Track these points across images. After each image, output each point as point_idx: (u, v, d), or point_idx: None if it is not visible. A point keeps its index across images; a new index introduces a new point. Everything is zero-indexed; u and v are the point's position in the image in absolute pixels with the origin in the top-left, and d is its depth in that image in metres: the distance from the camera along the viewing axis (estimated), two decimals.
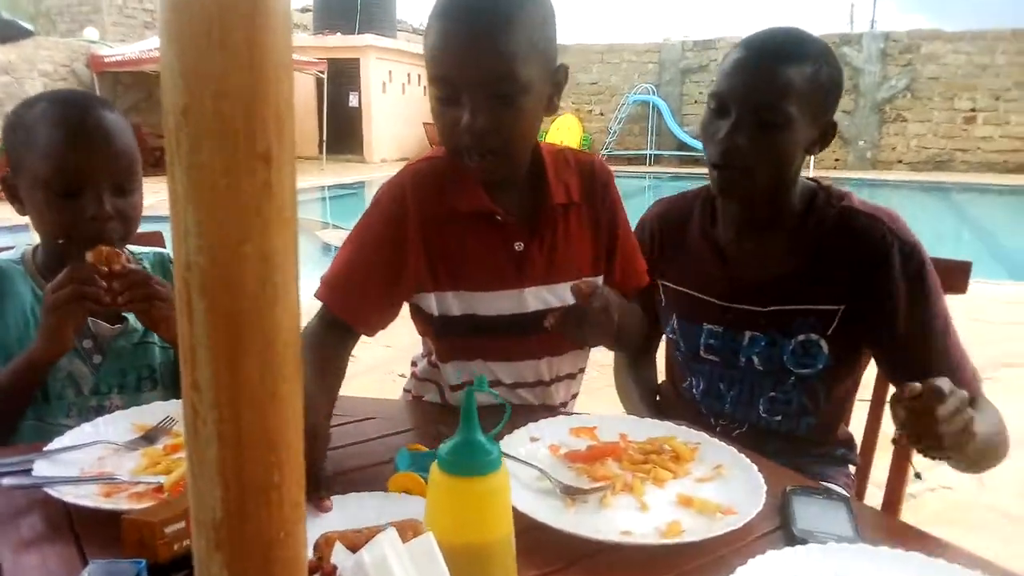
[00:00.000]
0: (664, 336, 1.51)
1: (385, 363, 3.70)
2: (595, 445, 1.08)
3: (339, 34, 17.45)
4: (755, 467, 0.99)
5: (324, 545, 0.70)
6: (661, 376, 1.61)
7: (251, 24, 0.33)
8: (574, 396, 1.44)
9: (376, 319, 1.23)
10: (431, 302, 1.26)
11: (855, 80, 15.83)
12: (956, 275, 1.41)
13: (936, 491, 2.73)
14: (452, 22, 1.09)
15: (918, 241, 1.25)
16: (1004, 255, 8.35)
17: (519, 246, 1.24)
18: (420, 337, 1.41)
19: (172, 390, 1.35)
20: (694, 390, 1.44)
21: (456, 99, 1.10)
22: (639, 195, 13.76)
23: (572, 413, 1.23)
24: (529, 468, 0.99)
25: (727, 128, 1.23)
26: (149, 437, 1.09)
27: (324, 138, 16.25)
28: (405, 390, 1.51)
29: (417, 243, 1.22)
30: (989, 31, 15.44)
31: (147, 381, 1.34)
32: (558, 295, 1.26)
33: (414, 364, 1.48)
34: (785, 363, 1.31)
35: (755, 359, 1.34)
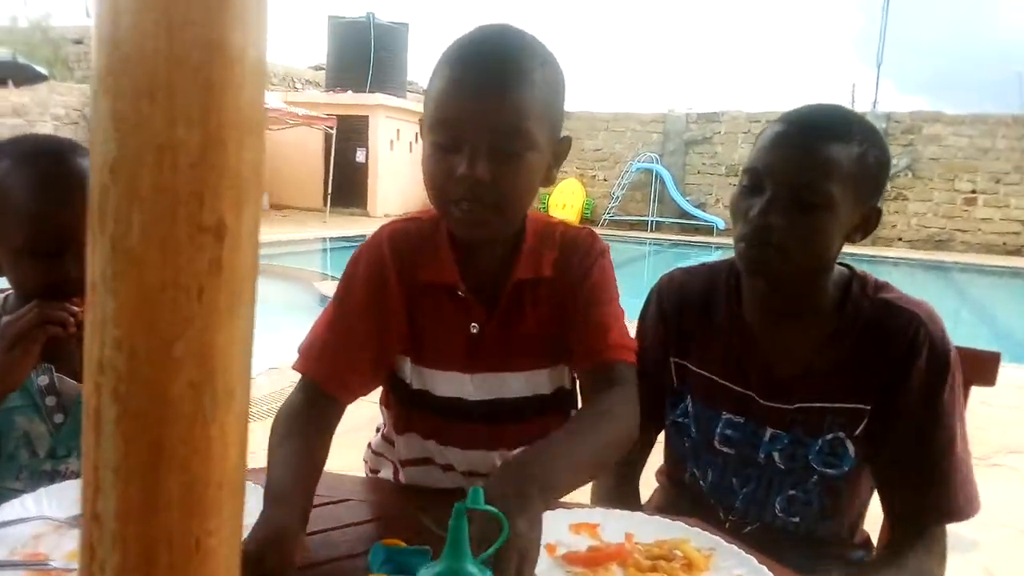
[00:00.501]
0: (668, 420, 1.37)
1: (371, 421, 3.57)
2: (597, 546, 0.97)
3: (350, 92, 17.76)
4: None
5: None
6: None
7: (206, 74, 0.26)
8: None
9: (360, 388, 1.17)
10: (403, 367, 1.21)
11: None
12: (985, 366, 1.34)
13: None
14: (466, 67, 1.03)
15: (952, 349, 1.17)
16: (1005, 337, 8.28)
17: (474, 328, 1.16)
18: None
19: None
20: (701, 481, 1.33)
21: (457, 147, 1.03)
22: (640, 260, 13.78)
23: (572, 504, 1.12)
24: None
25: (761, 205, 1.14)
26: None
27: (329, 191, 16.40)
28: (364, 460, 1.43)
29: (398, 308, 1.17)
30: (990, 115, 15.68)
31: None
32: (510, 386, 1.18)
33: (377, 431, 1.40)
34: (810, 462, 1.22)
35: (776, 456, 1.24)
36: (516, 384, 1.17)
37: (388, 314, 1.16)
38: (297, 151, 17.70)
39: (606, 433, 1.03)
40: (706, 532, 1.01)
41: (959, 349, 1.26)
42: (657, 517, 1.06)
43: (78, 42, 18.72)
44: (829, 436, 1.20)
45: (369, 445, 1.41)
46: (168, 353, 0.27)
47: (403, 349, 1.20)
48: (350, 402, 1.15)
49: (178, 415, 0.27)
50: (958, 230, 15.98)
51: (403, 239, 1.20)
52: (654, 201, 17.82)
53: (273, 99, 15.46)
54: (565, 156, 1.15)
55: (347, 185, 17.05)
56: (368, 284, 1.17)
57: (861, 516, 1.32)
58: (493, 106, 1.01)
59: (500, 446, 1.21)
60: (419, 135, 1.08)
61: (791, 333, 1.23)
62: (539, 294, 1.17)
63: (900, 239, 16.21)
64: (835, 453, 1.20)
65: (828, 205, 1.12)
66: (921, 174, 16.08)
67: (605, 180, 18.52)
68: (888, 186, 16.00)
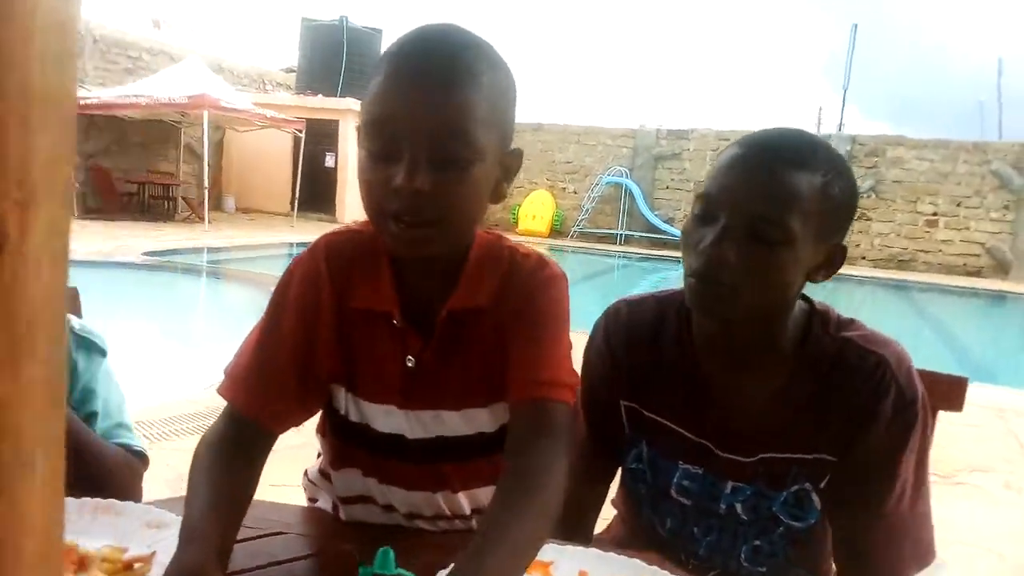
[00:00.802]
0: (624, 464, 1.27)
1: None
2: None
3: (321, 96, 17.60)
4: None
5: None
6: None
7: None
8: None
9: (291, 418, 1.04)
10: (338, 396, 1.09)
11: None
12: (953, 391, 1.28)
13: None
14: (405, 64, 0.90)
15: (920, 394, 1.06)
16: (965, 356, 8.40)
17: (410, 361, 1.03)
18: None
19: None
20: (658, 528, 1.24)
21: (394, 154, 0.89)
22: (609, 273, 13.82)
23: None
24: None
25: (713, 236, 1.02)
26: None
27: (297, 196, 16.22)
28: (303, 487, 1.29)
29: (330, 331, 1.04)
30: (952, 141, 16.04)
31: None
32: (449, 424, 1.06)
33: (318, 456, 1.26)
34: (775, 513, 1.13)
35: (738, 507, 1.15)
36: (455, 422, 1.05)
37: (319, 338, 1.04)
38: (266, 155, 17.50)
39: (539, 512, 0.88)
40: (664, 572, 0.94)
41: (926, 374, 1.20)
42: (612, 554, 0.98)
43: None
44: (794, 488, 1.11)
45: (306, 473, 1.27)
46: None
47: (336, 378, 1.08)
48: (281, 432, 1.03)
49: None
50: (920, 251, 16.31)
51: (340, 255, 1.06)
52: (623, 215, 17.91)
53: (242, 100, 15.25)
54: (516, 170, 1.02)
55: (316, 190, 16.90)
56: (299, 303, 1.04)
57: (831, 564, 1.25)
58: (433, 105, 0.87)
59: (444, 487, 1.10)
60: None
61: (748, 378, 1.13)
62: (479, 325, 1.03)
63: (864, 258, 16.47)
64: (800, 506, 1.12)
65: (788, 240, 1.00)
66: (884, 196, 16.40)
67: (575, 192, 18.58)
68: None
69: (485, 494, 1.10)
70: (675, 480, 1.18)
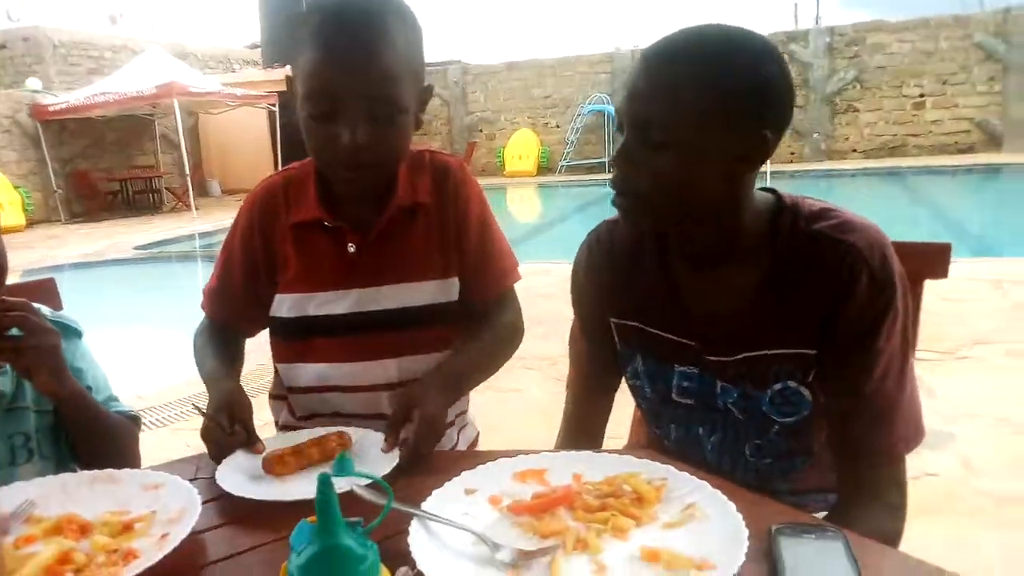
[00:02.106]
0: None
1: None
2: (542, 492, 0.91)
3: (288, 66, 17.24)
4: (732, 505, 0.83)
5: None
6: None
7: None
8: (461, 413, 1.46)
9: (251, 325, 1.39)
10: (283, 304, 1.32)
11: (804, 75, 15.99)
12: (935, 258, 1.28)
13: (920, 479, 2.60)
14: (334, 39, 1.10)
15: (895, 273, 1.04)
16: (962, 233, 8.37)
17: (351, 247, 1.27)
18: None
19: (53, 460, 1.17)
20: (667, 440, 1.26)
21: (334, 116, 1.11)
22: (601, 202, 13.70)
23: (516, 452, 1.06)
24: (463, 532, 0.82)
25: (616, 149, 1.05)
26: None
27: (279, 167, 16.03)
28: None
29: (263, 251, 1.31)
30: (932, 18, 15.67)
31: (22, 451, 1.15)
32: (395, 297, 1.28)
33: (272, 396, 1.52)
34: (765, 413, 1.13)
35: (732, 409, 1.16)
36: (396, 295, 1.28)
37: (256, 259, 1.32)
38: (243, 133, 17.30)
39: (504, 343, 1.36)
40: (656, 462, 0.95)
41: (908, 246, 1.20)
42: (605, 453, 1.00)
43: (1, 47, 17.99)
44: (778, 386, 1.11)
45: (269, 393, 1.51)
46: None
47: (291, 286, 1.30)
48: (248, 331, 1.41)
49: None
50: (910, 135, 16.10)
51: (272, 192, 1.33)
52: (609, 142, 17.70)
53: (211, 82, 15.02)
54: (428, 100, 1.24)
55: (297, 159, 16.68)
56: (240, 233, 1.34)
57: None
58: (365, 77, 1.09)
59: (392, 354, 1.30)
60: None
61: (719, 280, 1.13)
62: (417, 218, 1.29)
63: (855, 150, 16.29)
64: (789, 401, 1.11)
65: (677, 141, 0.99)
66: (869, 84, 16.13)
67: (558, 126, 18.34)
68: (837, 100, 16.11)
69: (420, 363, 1.30)
70: (674, 383, 1.19)
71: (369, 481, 0.82)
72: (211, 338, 1.35)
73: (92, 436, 1.19)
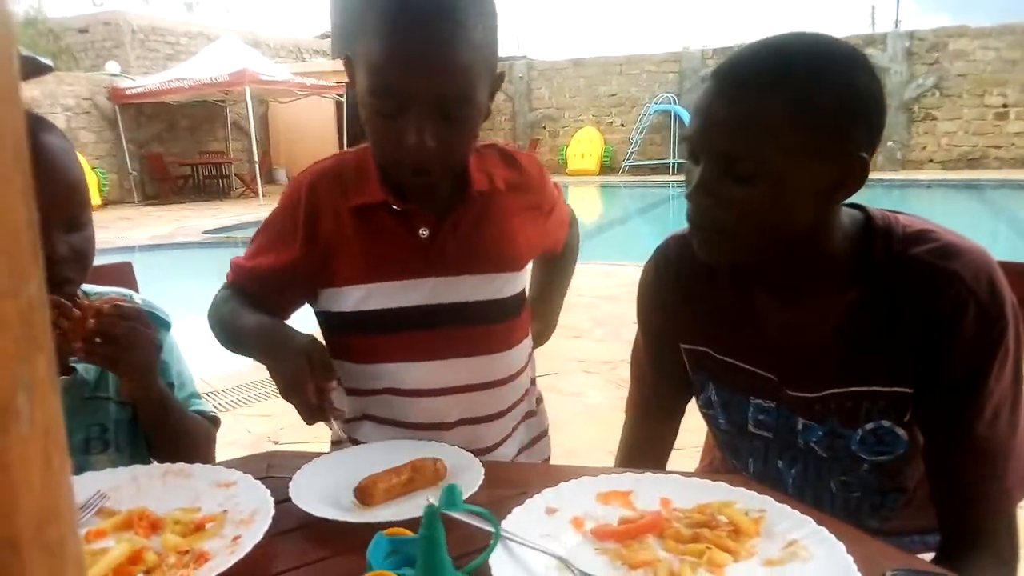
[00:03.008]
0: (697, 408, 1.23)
1: None
2: (630, 518, 0.86)
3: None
4: (842, 546, 0.76)
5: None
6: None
7: None
8: (528, 415, 1.36)
9: (280, 308, 1.21)
10: (331, 297, 1.19)
11: (881, 81, 15.53)
12: None
13: None
14: (403, 30, 0.98)
15: (1006, 303, 0.93)
16: None
17: (423, 231, 1.15)
18: None
19: (127, 452, 1.15)
20: (746, 473, 1.18)
21: (401, 113, 1.00)
22: (664, 204, 13.53)
23: (599, 470, 1.00)
24: (545, 556, 0.78)
25: (694, 182, 0.95)
26: None
27: None
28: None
29: (309, 238, 1.17)
30: (1018, 25, 15.03)
31: (97, 442, 1.14)
32: (473, 289, 1.17)
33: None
34: (854, 452, 1.04)
35: (815, 447, 1.07)
36: (473, 286, 1.17)
37: (295, 244, 1.17)
38: (310, 122, 17.56)
39: (571, 267, 1.56)
40: (753, 492, 0.88)
41: (1014, 265, 1.10)
42: (695, 478, 0.94)
43: (83, 31, 18.62)
44: (870, 425, 1.01)
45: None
46: None
47: (353, 278, 1.16)
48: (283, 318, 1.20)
49: None
50: (991, 146, 15.48)
51: (331, 172, 1.20)
52: (674, 143, 17.45)
53: (281, 71, 15.29)
54: (499, 88, 1.12)
55: None
56: (282, 215, 1.21)
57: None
58: (440, 76, 0.98)
59: (464, 354, 1.19)
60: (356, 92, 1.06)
61: (803, 308, 1.03)
62: (494, 203, 1.20)
63: (931, 160, 15.75)
64: (882, 441, 1.01)
65: (765, 174, 0.90)
66: (949, 92, 15.55)
67: (622, 125, 18.17)
68: (915, 107, 15.58)
69: (490, 364, 1.21)
70: (750, 415, 1.11)
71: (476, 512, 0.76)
72: (242, 302, 1.18)
73: (169, 438, 1.16)
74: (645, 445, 1.29)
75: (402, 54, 0.97)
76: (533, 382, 1.37)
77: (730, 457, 1.21)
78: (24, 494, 0.20)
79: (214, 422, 1.30)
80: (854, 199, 0.99)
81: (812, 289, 1.01)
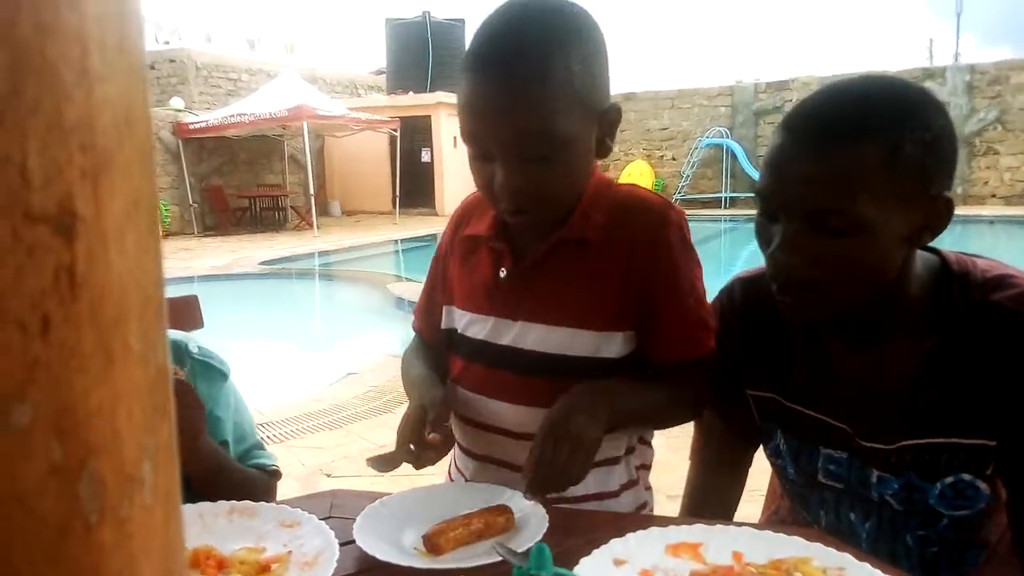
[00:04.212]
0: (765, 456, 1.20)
1: None
2: (701, 572, 0.83)
3: (411, 92, 17.88)
4: None
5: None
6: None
7: None
8: (637, 477, 1.16)
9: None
10: (447, 314, 1.24)
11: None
12: None
13: None
14: (481, 75, 0.98)
15: None
16: None
17: (503, 272, 1.13)
18: None
19: None
20: (818, 526, 1.13)
21: (489, 156, 1.01)
22: (715, 239, 13.40)
23: (668, 519, 0.98)
24: None
25: (778, 240, 0.93)
26: None
27: (397, 193, 16.57)
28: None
29: (447, 265, 1.25)
30: None
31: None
32: (547, 338, 1.09)
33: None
34: (932, 506, 1.00)
35: (890, 500, 1.02)
36: (538, 336, 1.10)
37: (446, 273, 1.25)
38: (364, 156, 17.91)
39: (672, 397, 1.10)
40: (831, 548, 0.85)
41: None
42: (769, 531, 0.90)
43: (150, 67, 19.38)
44: (950, 479, 0.97)
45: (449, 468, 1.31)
46: (4, 424, 0.17)
47: (448, 298, 1.23)
48: None
49: (36, 524, 0.17)
50: None
51: (465, 205, 1.28)
52: (726, 176, 17.33)
53: (336, 106, 15.66)
54: (617, 123, 1.07)
55: (414, 186, 17.21)
56: (441, 244, 1.29)
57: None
58: (510, 116, 0.96)
59: (528, 402, 1.09)
60: None
61: (877, 356, 1.00)
62: (581, 255, 1.09)
63: (994, 195, 15.33)
64: (963, 495, 0.97)
65: (859, 226, 0.88)
66: (1012, 126, 15.18)
67: (674, 159, 18.11)
68: (977, 141, 15.21)
69: None
70: (820, 465, 1.08)
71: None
72: (418, 351, 1.27)
73: (221, 495, 1.08)
74: (711, 494, 1.26)
75: (478, 98, 0.98)
76: (641, 466, 1.20)
77: (799, 509, 1.17)
78: (144, 562, 0.21)
79: (273, 475, 1.28)
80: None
81: (888, 336, 0.99)
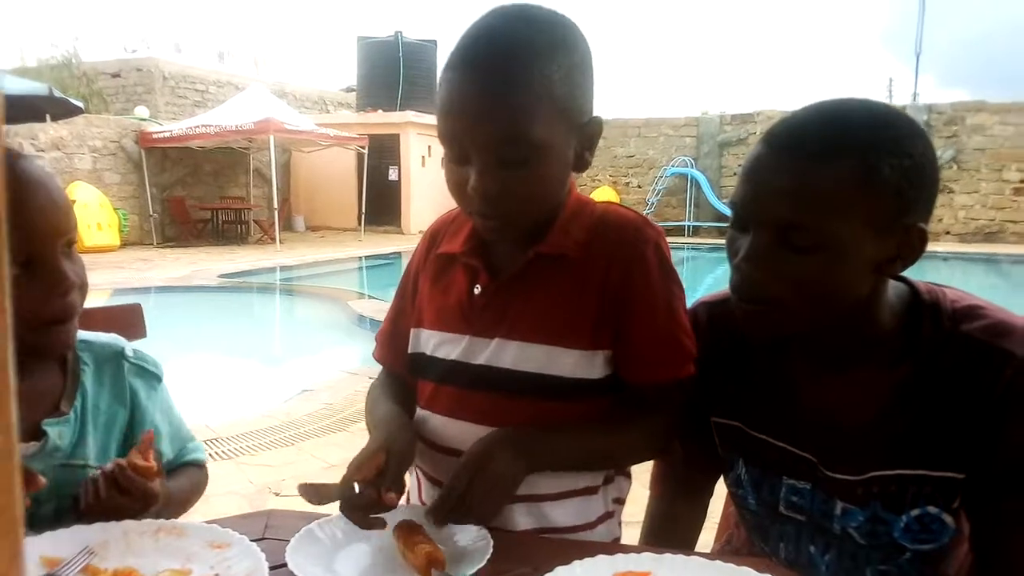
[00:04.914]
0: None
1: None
2: None
3: (380, 111, 17.85)
4: None
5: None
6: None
7: None
8: (612, 510, 1.12)
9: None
10: (414, 340, 1.19)
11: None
12: None
13: None
14: (461, 75, 0.95)
15: None
16: None
17: (477, 288, 1.09)
18: None
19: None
20: (774, 558, 1.10)
21: (465, 159, 0.98)
22: (678, 266, 13.43)
23: (616, 547, 0.95)
24: None
25: (745, 250, 0.92)
26: None
27: (363, 210, 16.48)
28: None
29: (417, 285, 1.20)
30: None
31: (70, 515, 1.00)
32: (524, 355, 1.04)
33: None
34: (896, 540, 0.97)
35: (853, 533, 0.99)
36: (515, 354, 1.05)
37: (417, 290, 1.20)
38: (331, 173, 17.82)
39: (619, 440, 1.07)
40: None
41: None
42: (719, 562, 0.87)
43: (116, 75, 19.12)
44: (916, 512, 0.95)
45: None
46: None
47: (417, 320, 1.18)
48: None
49: None
50: (1008, 221, 15.50)
51: (438, 224, 1.23)
52: (690, 205, 17.56)
53: (305, 121, 15.56)
54: (598, 137, 1.05)
55: (380, 203, 17.13)
56: (410, 266, 1.24)
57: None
58: (487, 119, 0.94)
59: (493, 422, 1.04)
60: None
61: (845, 384, 0.98)
62: (559, 271, 1.06)
63: (948, 232, 15.73)
64: (927, 529, 0.95)
65: (826, 245, 0.87)
66: (967, 165, 15.64)
67: (639, 187, 18.32)
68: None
69: None
70: (782, 496, 1.05)
71: None
72: (384, 392, 1.19)
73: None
74: (670, 524, 1.23)
75: (456, 100, 0.95)
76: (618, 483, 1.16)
77: (758, 541, 1.14)
78: None
79: (203, 468, 1.26)
80: None
81: (855, 365, 0.97)
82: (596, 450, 1.07)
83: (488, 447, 0.97)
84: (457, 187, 1.00)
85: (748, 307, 0.95)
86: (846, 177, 0.85)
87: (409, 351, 1.17)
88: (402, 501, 1.12)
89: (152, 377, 1.19)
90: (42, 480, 0.86)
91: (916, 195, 0.88)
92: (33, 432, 1.03)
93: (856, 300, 0.92)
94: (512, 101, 0.93)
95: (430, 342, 1.13)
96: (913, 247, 0.90)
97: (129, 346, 1.19)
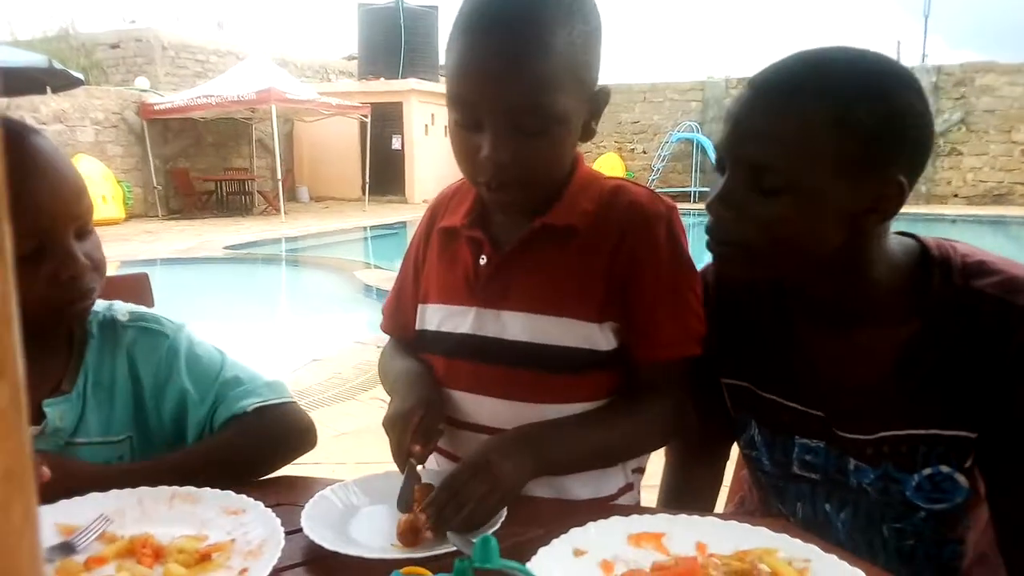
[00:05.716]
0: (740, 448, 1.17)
1: None
2: (664, 563, 0.80)
3: (382, 79, 17.69)
4: None
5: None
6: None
7: None
8: (632, 480, 1.13)
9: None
10: (420, 316, 1.18)
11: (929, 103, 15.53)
12: None
13: None
14: (479, 38, 0.92)
15: None
16: None
17: (483, 259, 1.08)
18: None
19: None
20: (792, 519, 1.10)
21: (477, 125, 0.95)
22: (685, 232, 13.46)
23: (630, 508, 0.95)
24: None
25: (716, 192, 0.92)
26: (70, 545, 0.83)
27: (367, 180, 16.42)
28: None
29: (423, 259, 1.20)
30: None
31: (76, 493, 0.97)
32: (522, 328, 1.04)
33: None
34: (909, 498, 0.97)
35: (868, 488, 0.99)
36: (523, 325, 1.04)
37: (419, 271, 1.20)
38: (334, 142, 17.71)
39: (625, 433, 1.06)
40: (798, 540, 0.82)
41: None
42: (734, 522, 0.87)
43: (115, 46, 18.94)
44: (927, 471, 0.94)
45: None
46: None
47: (424, 295, 1.17)
48: None
49: None
50: (1017, 183, 15.35)
51: (438, 200, 1.22)
52: (696, 171, 17.44)
53: (306, 90, 15.44)
54: (605, 105, 1.03)
55: (384, 173, 17.05)
56: (415, 242, 1.23)
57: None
58: (508, 85, 0.91)
59: (512, 396, 1.05)
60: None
61: (853, 343, 0.97)
62: (566, 242, 1.04)
63: (956, 195, 15.62)
64: (939, 488, 0.95)
65: (795, 188, 0.86)
66: (975, 127, 15.47)
67: (644, 152, 18.19)
68: (941, 141, 15.46)
69: (553, 413, 1.04)
70: (795, 456, 1.05)
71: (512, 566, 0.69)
72: (396, 349, 1.21)
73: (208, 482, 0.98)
74: (687, 491, 1.23)
75: (474, 63, 0.92)
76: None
77: (775, 502, 1.14)
78: None
79: (265, 410, 1.12)
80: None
81: (860, 321, 0.96)
82: (605, 447, 1.05)
83: (491, 454, 0.93)
84: (466, 155, 0.98)
85: (718, 249, 0.95)
86: (817, 119, 0.84)
87: (416, 327, 1.17)
88: (432, 463, 1.13)
89: (156, 335, 1.12)
90: (46, 473, 0.86)
91: (897, 146, 0.86)
92: (34, 413, 1.01)
93: (831, 251, 0.90)
94: (536, 68, 0.90)
95: (436, 316, 1.13)
96: (890, 199, 0.88)
97: (125, 308, 1.14)
